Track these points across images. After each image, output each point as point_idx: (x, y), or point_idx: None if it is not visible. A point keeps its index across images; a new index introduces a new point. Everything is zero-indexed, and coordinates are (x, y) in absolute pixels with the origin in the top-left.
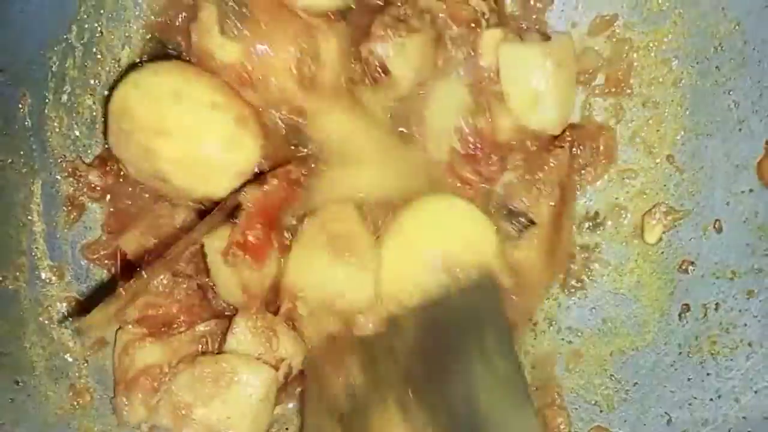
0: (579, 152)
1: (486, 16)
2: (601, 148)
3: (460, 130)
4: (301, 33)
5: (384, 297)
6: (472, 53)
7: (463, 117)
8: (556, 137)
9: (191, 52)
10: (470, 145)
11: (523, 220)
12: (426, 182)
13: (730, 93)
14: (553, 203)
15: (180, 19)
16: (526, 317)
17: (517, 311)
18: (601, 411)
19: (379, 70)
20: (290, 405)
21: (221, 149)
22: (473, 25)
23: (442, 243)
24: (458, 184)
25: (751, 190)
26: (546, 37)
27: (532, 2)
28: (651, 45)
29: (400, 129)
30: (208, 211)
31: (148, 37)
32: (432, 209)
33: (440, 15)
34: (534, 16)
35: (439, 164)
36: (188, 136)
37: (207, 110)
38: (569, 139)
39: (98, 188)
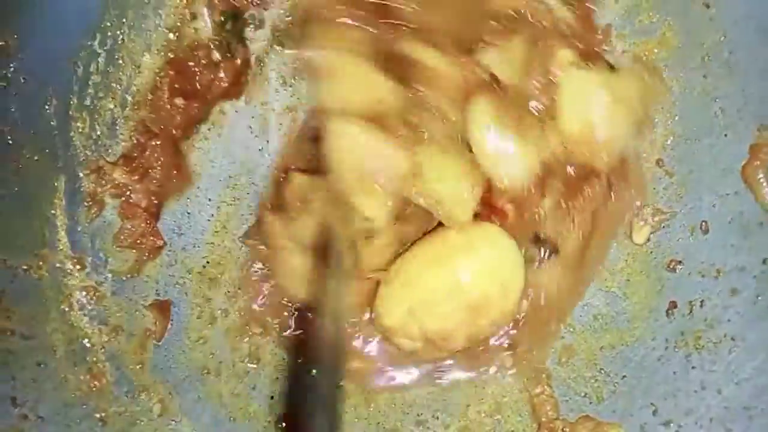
0: (616, 186)
1: (569, 24)
2: (632, 183)
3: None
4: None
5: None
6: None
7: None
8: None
9: None
10: None
11: (549, 247)
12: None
13: (717, 100)
14: (582, 234)
15: None
16: (540, 343)
17: (532, 337)
18: (590, 402)
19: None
20: None
21: None
22: (554, 37)
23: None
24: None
25: (736, 193)
26: (613, 70)
27: (593, 21)
28: (642, 55)
29: None
30: None
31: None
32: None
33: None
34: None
35: None
36: None
37: None
38: (607, 171)
39: (121, 185)
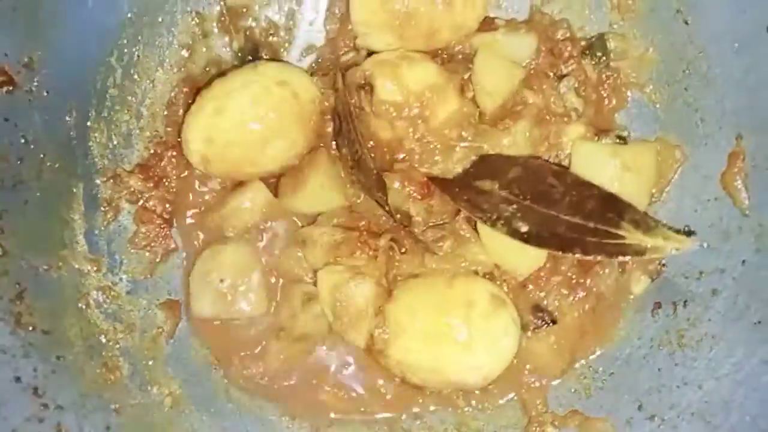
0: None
1: (579, 112)
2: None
3: None
4: None
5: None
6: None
7: None
8: None
9: None
10: None
11: (546, 317)
12: None
13: (697, 111)
14: (582, 312)
15: None
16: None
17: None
18: (579, 398)
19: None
20: None
21: None
22: (565, 119)
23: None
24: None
25: (715, 199)
26: (624, 141)
27: (605, 104)
28: (629, 70)
29: None
30: None
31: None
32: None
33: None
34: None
35: None
36: None
37: None
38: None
39: (137, 192)
